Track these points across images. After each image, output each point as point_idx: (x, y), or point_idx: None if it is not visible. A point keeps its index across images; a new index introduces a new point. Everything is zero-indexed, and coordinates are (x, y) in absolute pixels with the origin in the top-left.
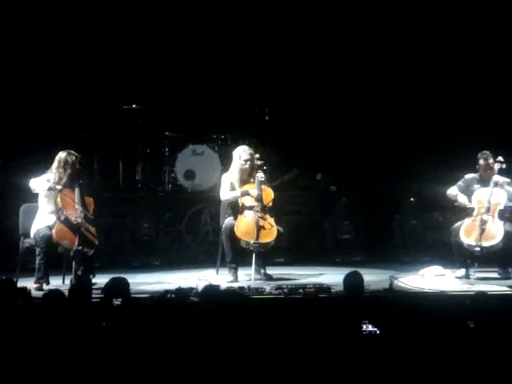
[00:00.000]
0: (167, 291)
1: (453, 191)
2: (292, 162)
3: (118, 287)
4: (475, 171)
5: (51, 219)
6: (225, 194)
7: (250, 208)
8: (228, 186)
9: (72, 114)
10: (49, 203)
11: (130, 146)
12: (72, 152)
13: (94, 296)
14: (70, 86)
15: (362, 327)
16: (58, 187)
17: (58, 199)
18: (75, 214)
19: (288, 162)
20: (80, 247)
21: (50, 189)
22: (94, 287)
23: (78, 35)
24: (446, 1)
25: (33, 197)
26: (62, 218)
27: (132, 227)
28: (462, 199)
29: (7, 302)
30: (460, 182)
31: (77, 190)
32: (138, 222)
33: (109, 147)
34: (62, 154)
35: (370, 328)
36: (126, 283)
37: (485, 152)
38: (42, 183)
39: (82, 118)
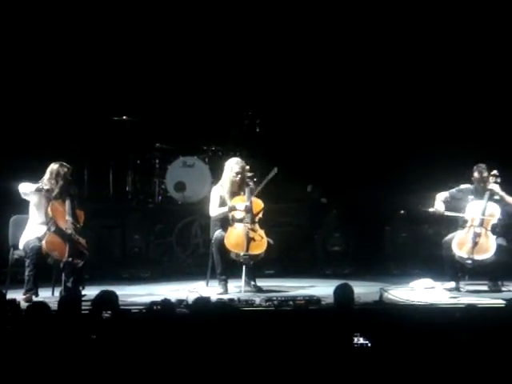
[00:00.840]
0: (153, 303)
1: (439, 196)
2: (283, 173)
3: (108, 300)
4: (469, 182)
5: (41, 230)
6: (213, 211)
7: (240, 220)
8: (217, 202)
9: (62, 126)
10: (39, 213)
11: (120, 157)
12: (64, 164)
13: (83, 308)
14: (61, 98)
15: (352, 339)
16: (46, 187)
17: (49, 210)
18: (66, 225)
19: (279, 174)
20: (70, 258)
21: (38, 189)
22: (83, 299)
23: (69, 47)
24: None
25: (23, 208)
26: (53, 228)
27: (122, 239)
28: (438, 206)
29: None
30: (454, 190)
31: (67, 202)
32: (128, 234)
33: (99, 158)
34: (54, 166)
35: (362, 341)
36: (114, 296)
37: (480, 165)
38: (30, 185)
39: (73, 130)
